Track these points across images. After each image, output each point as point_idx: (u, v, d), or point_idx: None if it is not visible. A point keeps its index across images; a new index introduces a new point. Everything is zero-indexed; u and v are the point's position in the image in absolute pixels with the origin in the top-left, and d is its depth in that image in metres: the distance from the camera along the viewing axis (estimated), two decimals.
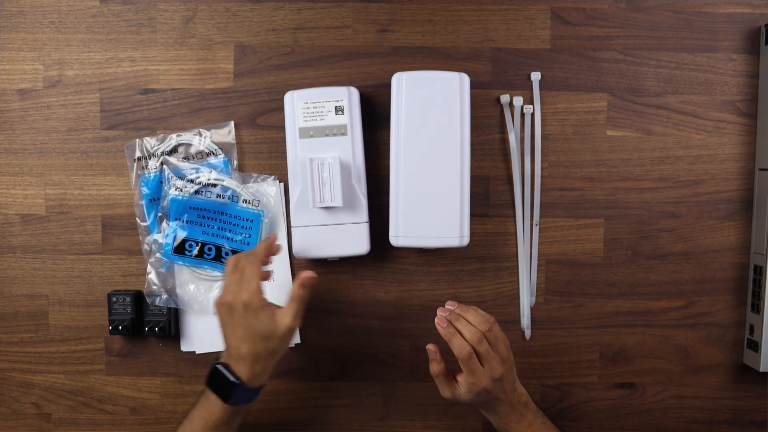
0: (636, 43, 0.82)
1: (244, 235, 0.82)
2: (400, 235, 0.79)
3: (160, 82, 0.83)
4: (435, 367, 0.71)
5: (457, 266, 0.84)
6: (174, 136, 0.82)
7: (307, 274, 0.70)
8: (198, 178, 0.80)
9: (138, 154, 0.82)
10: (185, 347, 0.84)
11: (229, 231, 0.81)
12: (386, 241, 0.80)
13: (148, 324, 0.82)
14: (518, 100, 0.82)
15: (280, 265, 0.83)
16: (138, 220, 0.83)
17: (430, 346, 0.71)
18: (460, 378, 0.70)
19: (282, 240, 0.83)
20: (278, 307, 0.71)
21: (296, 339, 0.84)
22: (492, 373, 0.68)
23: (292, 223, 0.79)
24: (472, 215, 0.80)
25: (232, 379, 0.68)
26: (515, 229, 0.83)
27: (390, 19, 0.82)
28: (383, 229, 0.81)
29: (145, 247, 0.83)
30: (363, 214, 0.79)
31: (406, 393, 0.85)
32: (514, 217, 0.83)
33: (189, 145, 0.82)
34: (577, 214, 0.84)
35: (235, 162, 0.82)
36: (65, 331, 0.85)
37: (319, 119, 0.78)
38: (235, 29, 0.83)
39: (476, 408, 0.77)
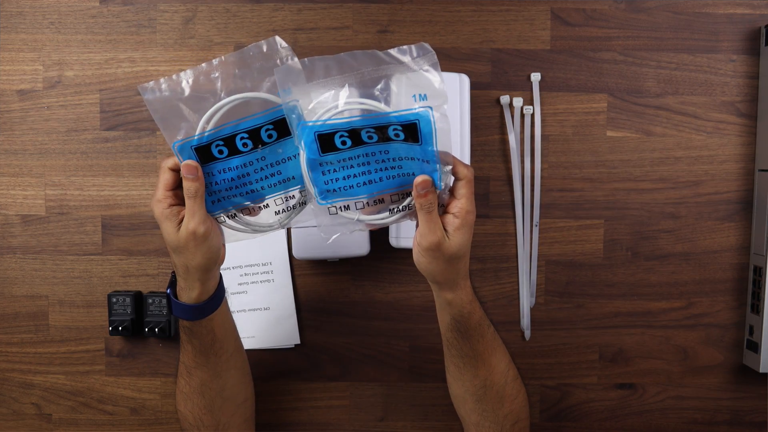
0: (636, 43, 0.82)
1: None
2: (400, 236, 0.79)
3: None
4: (431, 197, 0.60)
5: None
6: None
7: (186, 162, 0.60)
8: None
9: None
10: None
11: None
12: (386, 242, 0.80)
13: (148, 325, 0.82)
14: (518, 101, 0.82)
15: (280, 266, 0.83)
16: None
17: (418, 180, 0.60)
18: (449, 218, 0.62)
19: (282, 240, 0.83)
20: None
21: (296, 339, 0.84)
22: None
23: (293, 224, 0.79)
24: None
25: (168, 290, 0.66)
26: (515, 229, 0.83)
27: (390, 19, 0.82)
28: (383, 230, 0.81)
29: None
30: None
31: (405, 393, 0.85)
32: (514, 217, 0.83)
33: None
34: (576, 215, 0.84)
35: None
36: (65, 331, 0.85)
37: None
38: (235, 30, 0.83)
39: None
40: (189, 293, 0.64)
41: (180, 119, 0.59)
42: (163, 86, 0.59)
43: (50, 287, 0.85)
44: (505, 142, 0.83)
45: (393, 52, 0.59)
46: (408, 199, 0.62)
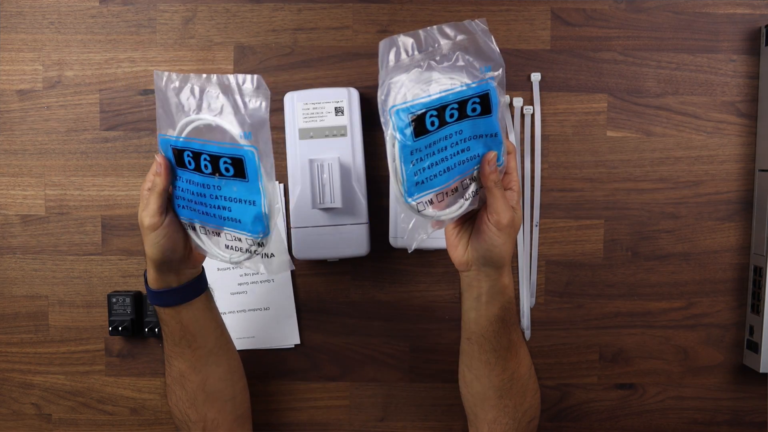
0: (636, 43, 0.82)
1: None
2: (399, 236, 0.79)
3: None
4: (498, 172, 0.62)
5: None
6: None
7: (156, 157, 0.63)
8: None
9: None
10: None
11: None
12: (386, 242, 0.80)
13: (148, 325, 0.82)
14: (518, 101, 0.82)
15: None
16: None
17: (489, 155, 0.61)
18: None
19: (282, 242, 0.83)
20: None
21: (296, 339, 0.84)
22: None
23: (292, 224, 0.79)
24: None
25: (145, 275, 0.68)
26: None
27: (390, 19, 0.82)
28: (383, 230, 0.81)
29: None
30: (363, 216, 0.79)
31: (405, 393, 0.85)
32: None
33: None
34: (577, 215, 0.84)
35: None
36: (65, 331, 0.85)
37: (318, 120, 0.78)
38: (234, 30, 0.83)
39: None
40: (148, 274, 0.66)
41: (171, 116, 0.61)
42: (174, 77, 0.61)
43: (50, 287, 0.85)
44: None
45: (466, 24, 0.59)
46: (473, 185, 0.62)
